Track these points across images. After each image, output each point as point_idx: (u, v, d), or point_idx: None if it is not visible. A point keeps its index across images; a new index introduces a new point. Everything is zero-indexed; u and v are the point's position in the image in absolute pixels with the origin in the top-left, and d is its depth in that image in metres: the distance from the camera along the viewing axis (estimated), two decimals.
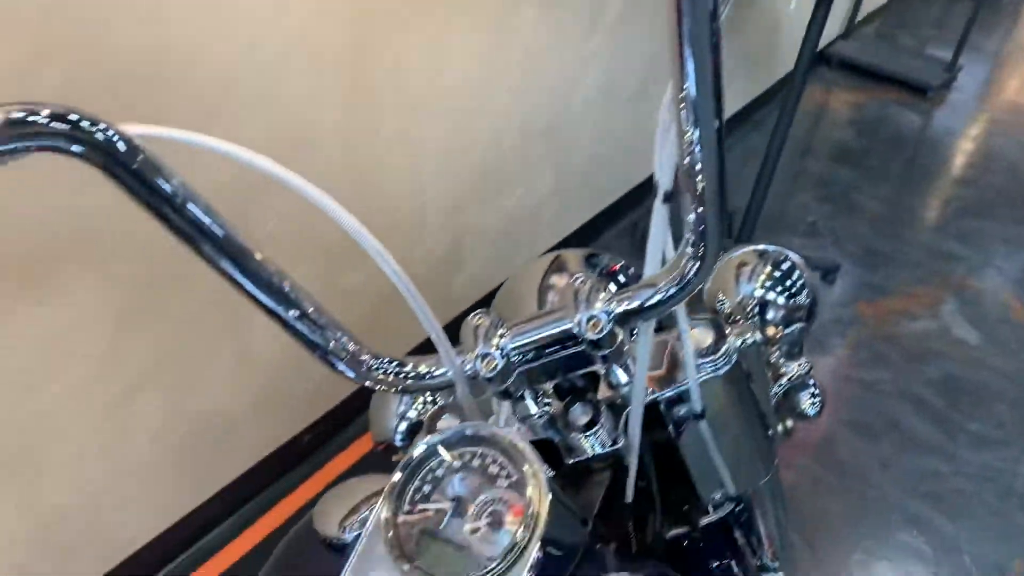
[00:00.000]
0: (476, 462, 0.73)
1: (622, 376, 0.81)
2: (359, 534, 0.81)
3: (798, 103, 2.79)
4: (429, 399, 1.09)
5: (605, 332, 0.71)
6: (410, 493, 0.72)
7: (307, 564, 0.84)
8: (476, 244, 2.74)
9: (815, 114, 4.61)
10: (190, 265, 1.83)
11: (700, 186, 0.59)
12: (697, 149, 0.56)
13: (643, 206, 3.69)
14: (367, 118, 2.05)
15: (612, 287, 0.77)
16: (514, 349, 0.75)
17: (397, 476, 0.72)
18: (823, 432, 2.64)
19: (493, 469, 0.72)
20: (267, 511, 2.27)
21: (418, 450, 0.73)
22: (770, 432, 1.03)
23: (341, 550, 0.80)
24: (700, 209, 0.61)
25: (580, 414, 0.85)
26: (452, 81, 2.22)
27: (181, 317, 1.82)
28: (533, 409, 0.81)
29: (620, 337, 0.74)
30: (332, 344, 0.71)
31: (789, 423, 1.09)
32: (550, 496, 0.68)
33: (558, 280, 1.14)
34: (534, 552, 0.67)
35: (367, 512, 0.81)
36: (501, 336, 0.75)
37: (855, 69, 5.09)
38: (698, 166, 0.58)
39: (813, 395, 1.09)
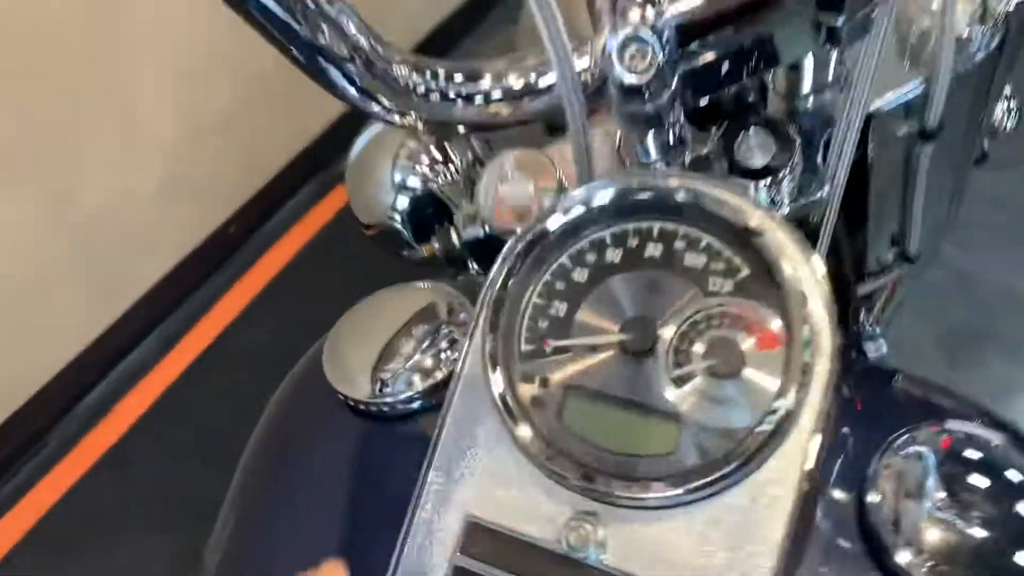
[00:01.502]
0: (656, 249, 0.38)
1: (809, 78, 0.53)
2: (416, 398, 0.48)
3: None
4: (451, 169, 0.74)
5: None
6: (527, 313, 0.41)
7: (322, 442, 0.50)
8: None
9: None
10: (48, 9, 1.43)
11: None
12: None
13: None
14: None
15: None
16: (683, 27, 0.42)
17: (500, 272, 0.40)
18: None
19: (695, 261, 0.37)
20: (196, 322, 2.06)
21: (553, 220, 0.37)
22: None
23: (372, 417, 0.47)
24: None
25: (756, 149, 0.53)
26: None
27: (50, 85, 1.60)
28: (653, 153, 0.49)
29: None
30: (325, 37, 0.41)
31: (985, 144, 0.79)
32: (832, 307, 0.35)
33: None
34: (818, 431, 0.36)
35: (421, 354, 0.46)
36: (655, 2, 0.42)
37: None
38: None
39: (1009, 106, 0.79)
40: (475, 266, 0.72)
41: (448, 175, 0.74)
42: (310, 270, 2.08)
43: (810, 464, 0.35)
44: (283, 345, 1.93)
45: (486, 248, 0.65)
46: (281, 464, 0.56)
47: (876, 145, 0.59)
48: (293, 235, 2.20)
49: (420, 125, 0.50)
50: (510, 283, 0.40)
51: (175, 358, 1.98)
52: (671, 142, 0.53)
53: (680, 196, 0.39)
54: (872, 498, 0.41)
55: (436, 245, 0.69)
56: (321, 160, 2.19)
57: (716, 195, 0.39)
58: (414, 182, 0.72)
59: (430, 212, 0.73)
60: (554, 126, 0.76)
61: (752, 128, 0.54)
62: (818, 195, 0.54)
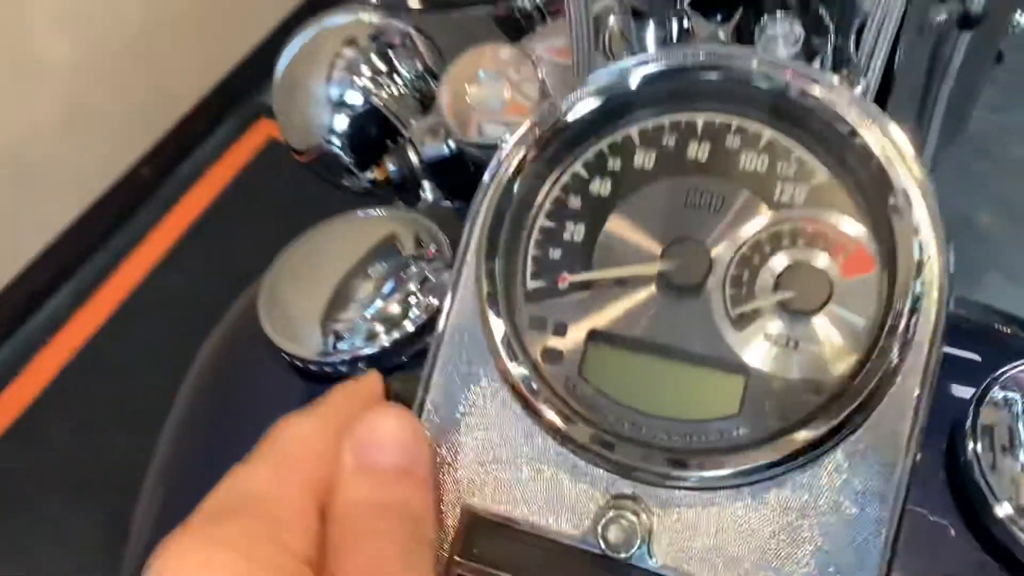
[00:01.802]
0: (702, 149, 0.30)
1: None
2: (381, 355, 0.38)
3: None
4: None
5: None
6: (533, 238, 0.32)
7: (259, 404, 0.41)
8: None
9: None
10: None
11: None
12: None
13: None
14: None
15: None
16: None
17: (496, 185, 0.31)
18: None
19: (756, 163, 0.29)
20: (111, 273, 1.93)
21: (577, 109, 0.29)
22: None
23: (323, 380, 0.41)
24: None
25: (780, 39, 0.43)
26: None
27: None
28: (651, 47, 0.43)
29: None
30: None
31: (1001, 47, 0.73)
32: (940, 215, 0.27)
33: None
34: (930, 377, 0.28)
35: (384, 299, 0.37)
36: None
37: None
38: None
39: None
40: (430, 194, 0.62)
41: (394, 87, 0.65)
42: (235, 213, 1.97)
43: (922, 421, 0.27)
44: (208, 294, 1.79)
45: (452, 168, 0.55)
46: (214, 436, 0.46)
47: (909, 34, 0.51)
48: (214, 175, 2.06)
49: None
50: (512, 196, 0.30)
51: (89, 312, 1.84)
52: (674, 33, 0.45)
53: (744, 74, 0.30)
54: (969, 453, 0.34)
55: (390, 167, 0.59)
56: (242, 91, 2.07)
57: (796, 78, 0.30)
58: (354, 97, 0.63)
59: (375, 132, 0.64)
60: (519, 24, 0.65)
61: (777, 13, 0.45)
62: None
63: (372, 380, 0.30)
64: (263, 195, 1.89)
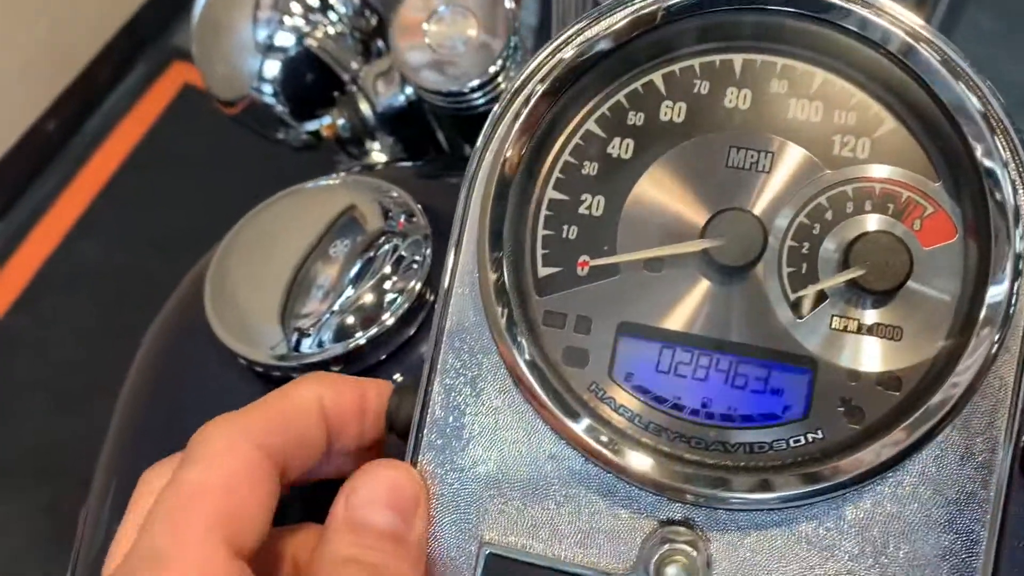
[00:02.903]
0: (741, 97, 0.25)
1: None
2: (356, 356, 0.34)
3: None
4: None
5: None
6: (542, 215, 0.27)
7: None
8: None
9: None
10: None
11: None
12: None
13: None
14: None
15: None
16: None
17: (493, 147, 0.27)
18: None
19: (808, 111, 0.24)
20: (20, 243, 1.86)
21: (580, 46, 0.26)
22: None
23: (272, 381, 0.37)
24: None
25: None
26: None
27: None
28: None
29: None
30: None
31: None
32: None
33: None
34: None
35: (354, 286, 0.33)
36: None
37: None
38: None
39: None
40: (379, 154, 0.57)
41: (330, 26, 0.61)
42: (151, 171, 1.89)
43: (1022, 409, 0.24)
44: (126, 262, 1.70)
45: (410, 119, 0.50)
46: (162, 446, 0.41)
47: None
48: (126, 128, 1.98)
49: None
50: (514, 163, 0.25)
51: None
52: None
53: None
54: None
55: (339, 121, 0.53)
56: (152, 32, 1.99)
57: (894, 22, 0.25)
58: (285, 39, 0.59)
59: (311, 78, 0.60)
60: None
61: None
62: None
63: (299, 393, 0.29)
64: (181, 149, 1.80)
